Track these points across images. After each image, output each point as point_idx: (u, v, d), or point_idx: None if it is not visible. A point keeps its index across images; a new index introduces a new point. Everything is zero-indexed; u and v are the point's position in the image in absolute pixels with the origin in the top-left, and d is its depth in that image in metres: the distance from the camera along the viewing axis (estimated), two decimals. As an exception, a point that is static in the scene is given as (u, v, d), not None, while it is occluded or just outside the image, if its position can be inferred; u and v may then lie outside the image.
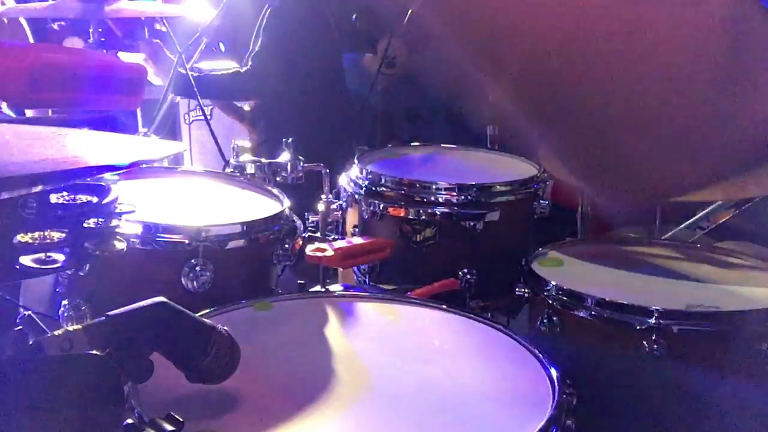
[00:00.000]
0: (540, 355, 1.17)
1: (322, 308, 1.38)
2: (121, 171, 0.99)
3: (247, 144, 2.77)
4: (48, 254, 0.94)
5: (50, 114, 2.21)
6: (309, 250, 1.66)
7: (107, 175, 1.05)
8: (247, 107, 3.26)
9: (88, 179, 1.03)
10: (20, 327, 1.30)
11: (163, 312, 0.93)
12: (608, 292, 1.49)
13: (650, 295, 1.50)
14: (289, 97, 2.92)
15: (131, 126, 2.90)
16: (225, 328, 0.98)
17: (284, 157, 1.99)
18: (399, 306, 1.40)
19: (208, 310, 1.29)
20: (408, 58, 3.47)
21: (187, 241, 1.47)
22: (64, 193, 1.02)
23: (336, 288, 1.66)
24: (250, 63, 2.91)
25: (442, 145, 2.30)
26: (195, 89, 2.71)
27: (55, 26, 3.18)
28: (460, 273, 1.77)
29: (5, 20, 2.94)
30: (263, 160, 1.98)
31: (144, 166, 1.68)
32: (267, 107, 3.05)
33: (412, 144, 2.30)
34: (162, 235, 1.47)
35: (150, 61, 2.92)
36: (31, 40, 3.00)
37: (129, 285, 1.47)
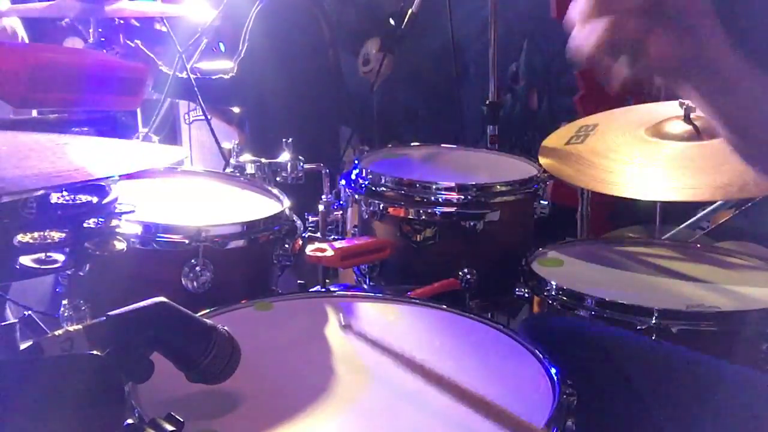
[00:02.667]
0: (540, 355, 1.17)
1: (322, 308, 1.38)
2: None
3: (227, 145, 2.74)
4: (48, 254, 0.94)
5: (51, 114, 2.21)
6: (309, 250, 1.66)
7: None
8: (236, 109, 3.26)
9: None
10: (7, 323, 1.30)
11: (163, 312, 0.93)
12: (608, 292, 1.49)
13: (650, 295, 1.50)
14: (276, 100, 2.91)
15: (131, 126, 2.90)
16: (225, 328, 0.98)
17: (284, 157, 1.99)
18: (399, 306, 1.40)
19: (208, 310, 1.29)
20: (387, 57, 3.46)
21: (187, 241, 1.47)
22: (64, 193, 1.02)
23: (336, 288, 1.66)
24: (235, 70, 2.90)
25: (443, 145, 2.30)
26: (189, 91, 2.70)
27: (63, 23, 3.18)
28: (460, 273, 1.77)
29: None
30: (263, 160, 1.98)
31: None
32: (253, 110, 3.05)
33: (412, 144, 2.30)
34: (162, 235, 1.47)
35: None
36: (27, 41, 3.00)
37: (129, 285, 1.47)
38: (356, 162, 1.99)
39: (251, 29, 2.89)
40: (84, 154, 1.04)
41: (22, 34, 3.02)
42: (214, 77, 3.00)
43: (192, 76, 2.68)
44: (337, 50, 3.18)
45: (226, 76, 2.93)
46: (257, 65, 2.86)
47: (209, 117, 2.81)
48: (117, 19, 2.78)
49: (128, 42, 2.80)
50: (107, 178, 1.01)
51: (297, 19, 2.95)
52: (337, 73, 3.19)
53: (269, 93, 2.91)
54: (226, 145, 2.01)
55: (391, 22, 3.24)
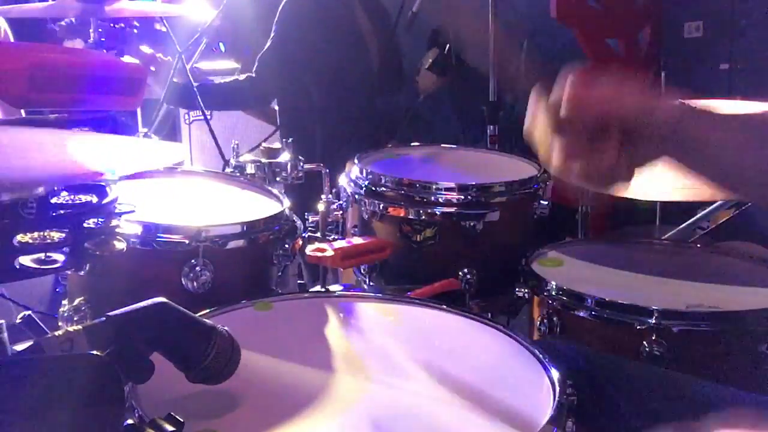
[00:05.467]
0: (540, 355, 1.17)
1: (322, 308, 1.38)
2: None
3: (276, 145, 2.61)
4: (48, 254, 0.94)
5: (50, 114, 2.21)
6: (309, 250, 1.66)
7: (107, 175, 1.05)
8: (276, 106, 3.21)
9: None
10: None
11: (163, 312, 0.93)
12: (608, 292, 1.49)
13: (650, 295, 1.50)
14: (305, 96, 2.84)
15: (131, 126, 2.90)
16: (225, 328, 0.98)
17: (284, 157, 1.98)
18: (399, 306, 1.40)
19: (208, 310, 1.29)
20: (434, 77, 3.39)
21: (187, 241, 1.47)
22: (64, 193, 1.02)
23: (336, 288, 1.66)
24: (256, 65, 2.84)
25: (442, 145, 2.29)
26: (193, 99, 2.68)
27: (59, 25, 3.18)
28: (460, 273, 1.77)
29: None
30: (263, 160, 1.97)
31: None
32: (286, 109, 2.99)
33: (412, 144, 2.30)
34: (162, 235, 1.47)
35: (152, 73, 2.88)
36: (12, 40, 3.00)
37: (129, 285, 1.47)
38: (356, 162, 1.99)
39: (277, 21, 2.81)
40: (87, 152, 1.04)
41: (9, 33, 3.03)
42: (228, 80, 2.93)
43: (187, 84, 2.65)
44: (385, 43, 3.01)
45: (241, 77, 2.86)
46: (282, 60, 2.78)
47: (208, 117, 2.81)
48: (134, 28, 2.78)
49: (143, 49, 2.77)
50: (112, 173, 1.01)
51: (327, 8, 2.84)
52: (386, 68, 3.02)
53: (295, 89, 2.81)
54: (276, 145, 1.97)
55: (445, 48, 3.22)
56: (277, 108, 3.07)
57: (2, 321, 1.31)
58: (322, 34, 2.77)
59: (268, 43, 2.79)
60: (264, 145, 2.01)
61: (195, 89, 2.67)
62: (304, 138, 2.73)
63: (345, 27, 2.87)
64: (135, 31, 2.81)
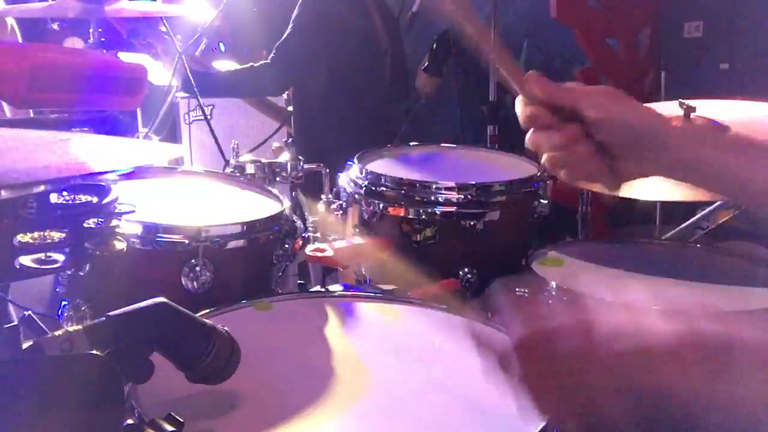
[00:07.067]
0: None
1: (322, 308, 1.38)
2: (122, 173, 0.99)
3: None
4: (48, 254, 0.94)
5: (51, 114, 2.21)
6: (309, 250, 1.66)
7: (108, 176, 1.06)
8: (282, 104, 3.22)
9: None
10: (12, 324, 1.29)
11: (163, 312, 0.93)
12: (608, 292, 1.49)
13: (650, 295, 1.50)
14: (318, 93, 2.85)
15: (131, 126, 2.90)
16: (225, 328, 0.98)
17: (284, 157, 1.98)
18: (399, 306, 1.40)
19: (208, 310, 1.29)
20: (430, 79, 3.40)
21: (187, 241, 1.47)
22: (64, 193, 1.02)
23: (336, 288, 1.66)
24: (273, 53, 2.86)
25: (442, 145, 2.30)
26: (210, 87, 2.68)
27: (55, 26, 3.18)
28: (460, 273, 1.77)
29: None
30: (263, 160, 1.97)
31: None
32: (297, 103, 2.99)
33: (412, 144, 2.30)
34: (162, 235, 1.47)
35: (161, 56, 2.88)
36: (20, 40, 3.01)
37: (129, 285, 1.47)
38: (356, 162, 1.99)
39: (297, 14, 2.84)
40: (86, 151, 1.04)
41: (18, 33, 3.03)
42: (243, 66, 2.96)
43: (205, 72, 2.64)
44: (395, 46, 3.05)
45: (257, 64, 2.89)
46: (300, 50, 2.80)
47: (209, 117, 2.81)
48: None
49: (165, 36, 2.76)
50: (112, 172, 1.01)
51: (345, 8, 2.87)
52: (395, 71, 3.06)
53: (311, 82, 2.83)
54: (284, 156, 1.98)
55: (434, 46, 3.22)
56: (284, 102, 3.09)
57: (17, 322, 1.30)
58: (340, 32, 2.81)
59: (287, 33, 2.83)
60: (275, 145, 2.01)
61: (212, 76, 2.70)
62: (314, 137, 2.75)
63: (361, 28, 2.91)
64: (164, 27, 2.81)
